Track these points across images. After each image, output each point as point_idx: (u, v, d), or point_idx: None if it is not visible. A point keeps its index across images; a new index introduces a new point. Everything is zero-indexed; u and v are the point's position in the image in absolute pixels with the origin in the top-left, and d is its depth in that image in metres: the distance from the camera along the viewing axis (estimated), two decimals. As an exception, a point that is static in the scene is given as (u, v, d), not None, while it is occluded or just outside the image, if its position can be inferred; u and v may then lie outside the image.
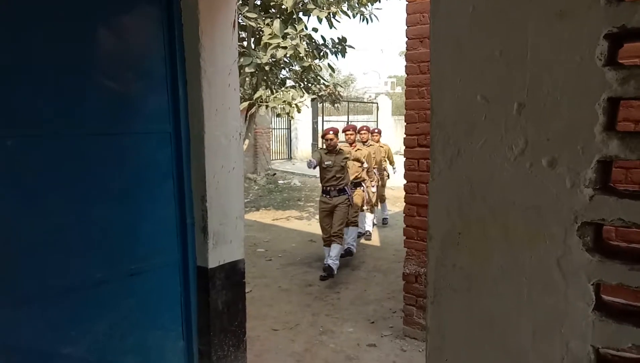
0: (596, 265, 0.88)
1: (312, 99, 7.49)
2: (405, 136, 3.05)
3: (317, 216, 5.28)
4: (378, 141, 6.70)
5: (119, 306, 2.02)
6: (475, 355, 1.05)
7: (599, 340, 0.88)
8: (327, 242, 4.79)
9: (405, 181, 3.10)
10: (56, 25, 1.86)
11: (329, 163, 4.84)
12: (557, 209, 0.91)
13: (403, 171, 3.09)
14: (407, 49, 2.88)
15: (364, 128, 6.47)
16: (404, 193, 3.12)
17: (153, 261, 2.01)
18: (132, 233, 2.10)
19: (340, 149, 4.94)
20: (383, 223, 6.93)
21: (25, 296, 1.79)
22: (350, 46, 6.15)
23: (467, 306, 1.04)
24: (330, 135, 4.89)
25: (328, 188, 4.87)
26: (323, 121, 15.46)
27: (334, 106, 7.46)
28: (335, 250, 4.65)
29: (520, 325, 0.97)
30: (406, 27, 2.86)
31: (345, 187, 4.92)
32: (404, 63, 2.93)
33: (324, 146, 5.05)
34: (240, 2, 5.29)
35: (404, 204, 3.14)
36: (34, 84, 1.80)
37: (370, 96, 24.54)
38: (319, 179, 5.13)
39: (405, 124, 3.03)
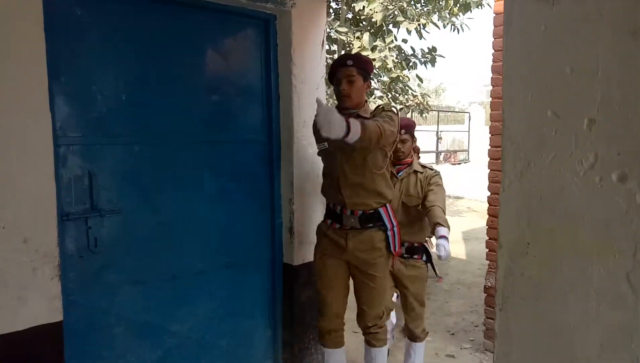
0: (668, 281, 0.87)
1: (400, 109, 7.50)
2: (490, 147, 3.00)
3: None
4: None
5: (216, 294, 2.30)
6: (542, 363, 1.07)
7: (670, 357, 0.87)
8: (335, 340, 2.26)
9: (488, 193, 3.05)
10: (172, 50, 2.18)
11: (323, 145, 2.10)
12: (627, 223, 0.90)
13: (487, 183, 3.04)
14: (493, 61, 2.86)
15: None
16: (488, 205, 3.07)
17: (245, 256, 2.25)
18: (228, 229, 2.36)
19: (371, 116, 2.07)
20: None
21: (142, 278, 2.12)
22: (440, 55, 6.08)
23: (535, 315, 1.05)
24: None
25: (341, 208, 2.11)
26: (412, 130, 15.29)
27: (422, 116, 7.41)
28: (381, 357, 2.26)
29: (588, 337, 0.97)
30: (492, 39, 2.84)
31: (382, 212, 2.12)
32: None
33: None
34: (333, 17, 5.54)
35: (487, 216, 3.08)
36: (155, 98, 2.13)
37: (463, 105, 23.68)
38: None
39: (490, 135, 2.99)
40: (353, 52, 5.18)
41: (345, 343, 2.34)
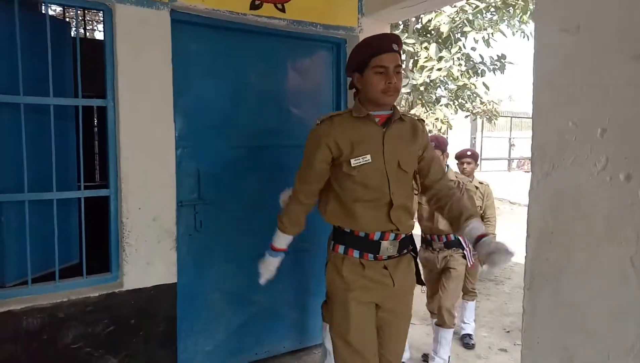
0: (664, 263, 1.02)
1: (466, 116, 7.51)
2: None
3: None
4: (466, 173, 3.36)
5: (289, 273, 2.68)
6: (561, 335, 1.21)
7: (667, 326, 1.00)
8: None
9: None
10: (260, 71, 2.61)
11: (365, 159, 1.61)
12: (631, 215, 1.04)
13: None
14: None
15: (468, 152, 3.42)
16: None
17: (312, 243, 2.56)
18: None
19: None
20: (463, 342, 3.29)
21: (232, 255, 2.55)
22: (509, 62, 6.08)
23: (556, 294, 1.21)
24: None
25: (382, 234, 1.66)
26: (482, 137, 14.95)
27: (490, 122, 7.36)
28: None
29: (598, 311, 1.12)
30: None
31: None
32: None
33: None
34: (402, 29, 5.76)
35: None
36: (246, 111, 2.57)
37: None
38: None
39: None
40: (420, 63, 5.36)
41: None
